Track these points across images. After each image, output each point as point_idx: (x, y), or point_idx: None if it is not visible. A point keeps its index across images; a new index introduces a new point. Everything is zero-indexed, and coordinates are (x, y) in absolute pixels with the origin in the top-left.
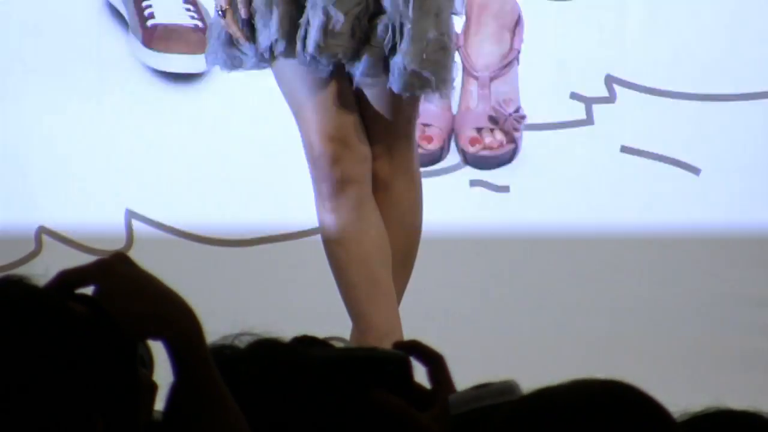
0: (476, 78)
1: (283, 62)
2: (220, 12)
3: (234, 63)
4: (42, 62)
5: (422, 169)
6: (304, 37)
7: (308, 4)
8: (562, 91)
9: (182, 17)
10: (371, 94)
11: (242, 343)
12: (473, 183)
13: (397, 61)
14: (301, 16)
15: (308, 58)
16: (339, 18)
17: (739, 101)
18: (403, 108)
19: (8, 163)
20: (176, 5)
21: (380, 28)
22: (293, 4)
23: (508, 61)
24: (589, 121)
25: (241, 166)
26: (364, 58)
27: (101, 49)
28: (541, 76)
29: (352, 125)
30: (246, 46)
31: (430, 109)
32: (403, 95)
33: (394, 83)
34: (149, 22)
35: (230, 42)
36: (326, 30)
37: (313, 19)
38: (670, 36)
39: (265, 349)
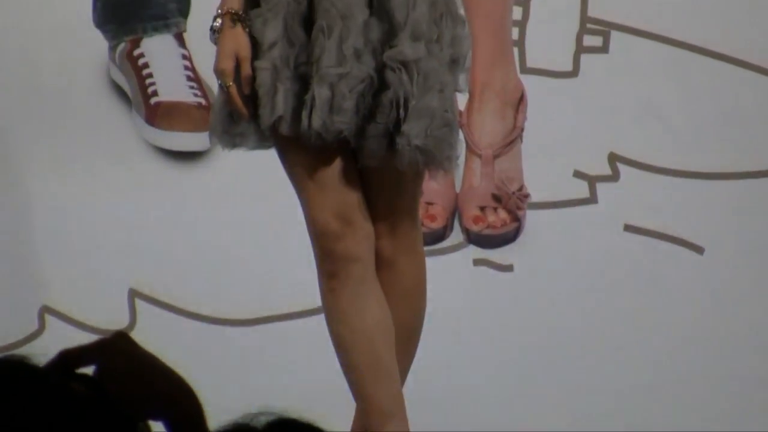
0: (479, 156)
1: (285, 139)
2: (223, 87)
3: (235, 142)
4: (43, 138)
5: (426, 248)
6: (310, 114)
7: (314, 81)
8: (565, 169)
9: (186, 95)
10: (375, 170)
11: (260, 423)
12: (477, 262)
13: (402, 138)
14: (305, 93)
15: (313, 135)
16: (345, 94)
17: (743, 179)
18: (407, 185)
19: (10, 240)
20: (180, 82)
21: (385, 104)
22: (298, 81)
23: (512, 139)
24: (592, 199)
25: (246, 245)
26: (369, 135)
27: (103, 126)
28: (545, 154)
29: (355, 202)
30: (247, 123)
31: (433, 188)
32: (408, 172)
33: (399, 160)
34: (152, 100)
35: (231, 119)
36: (332, 106)
37: (319, 95)
38: (671, 115)
39: (285, 429)
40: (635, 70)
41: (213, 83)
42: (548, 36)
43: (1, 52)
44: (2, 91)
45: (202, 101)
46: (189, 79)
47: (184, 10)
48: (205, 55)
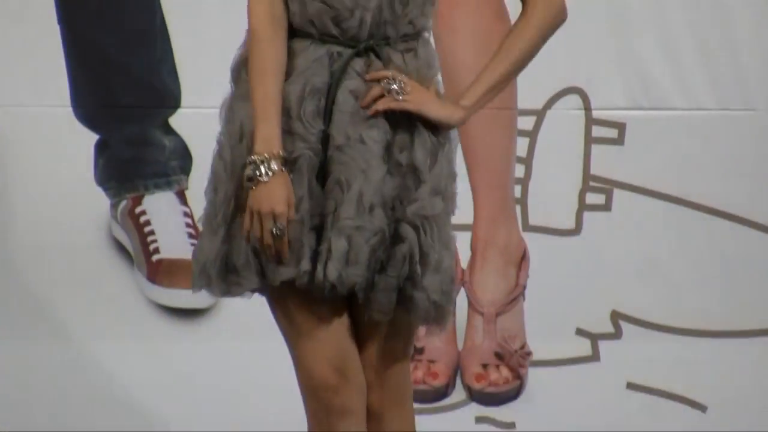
0: (481, 314)
1: (281, 290)
2: (276, 232)
3: (230, 290)
4: (45, 297)
5: (428, 406)
6: (325, 265)
7: (330, 232)
8: (567, 326)
9: (187, 252)
10: (371, 320)
11: None
12: (479, 420)
13: (421, 292)
14: (318, 244)
15: (327, 287)
16: (361, 247)
17: (746, 337)
18: (402, 335)
19: (10, 401)
20: (181, 240)
21: (398, 258)
22: (313, 233)
23: (514, 297)
24: (595, 357)
25: (248, 401)
26: (379, 288)
27: (105, 284)
28: (547, 312)
29: (351, 354)
30: (249, 272)
31: (435, 345)
32: (422, 325)
33: (415, 313)
34: (154, 257)
35: (227, 267)
36: (348, 259)
37: (336, 247)
38: (674, 272)
39: None
40: (638, 228)
41: None
42: (551, 194)
43: (4, 211)
44: (5, 251)
45: None
46: (191, 236)
47: (185, 167)
48: None
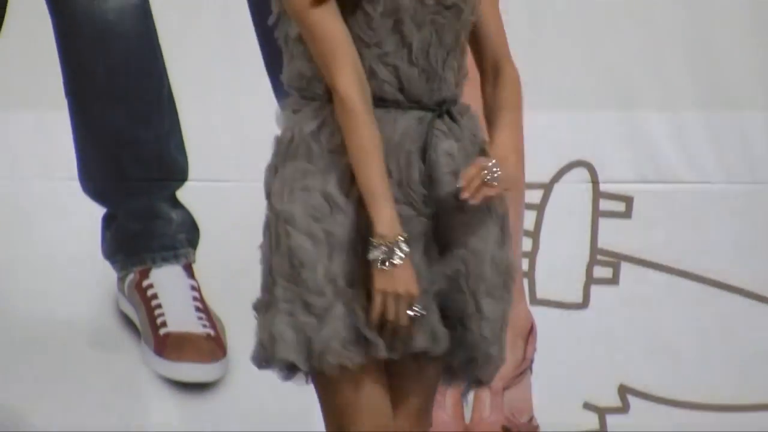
0: (489, 387)
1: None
2: (415, 314)
3: (326, 367)
4: (51, 369)
5: None
6: (480, 326)
7: (480, 297)
8: (575, 400)
9: (194, 325)
10: (408, 387)
11: None
12: None
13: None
14: (444, 308)
15: (410, 355)
16: (500, 305)
17: (754, 411)
18: (429, 400)
19: None
20: (188, 313)
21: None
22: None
23: (521, 371)
24: (602, 431)
25: None
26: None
27: (112, 357)
28: (554, 385)
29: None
30: (359, 349)
31: (443, 419)
32: (433, 387)
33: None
34: (161, 330)
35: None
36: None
37: (487, 308)
38: (681, 346)
39: None
40: (645, 302)
41: (221, 313)
42: (558, 267)
43: (10, 283)
44: (11, 323)
45: (211, 332)
46: (198, 309)
47: (193, 240)
48: (213, 285)
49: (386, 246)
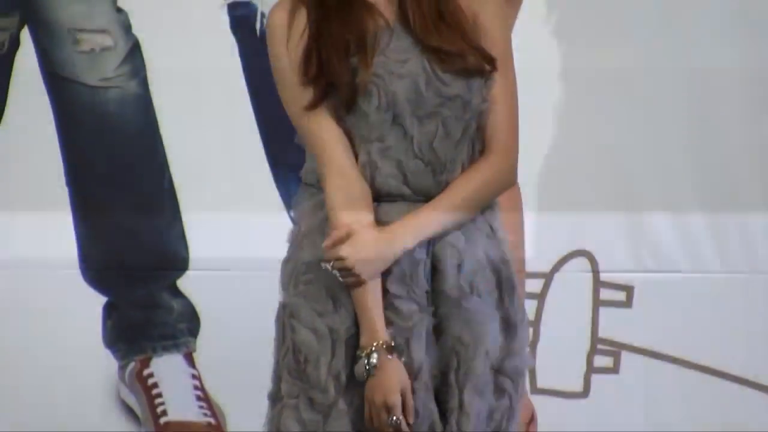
0: None
1: None
2: (393, 422)
3: None
4: None
5: None
6: (458, 422)
7: (465, 392)
8: None
9: (195, 414)
10: None
11: None
12: None
13: None
14: (440, 400)
15: None
16: (489, 402)
17: None
18: None
19: None
20: (189, 401)
21: (501, 410)
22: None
23: None
24: None
25: None
26: None
27: None
28: None
29: None
30: None
31: None
32: None
33: None
34: (162, 419)
35: None
36: (479, 414)
37: (471, 404)
38: (679, 429)
39: None
40: (645, 391)
41: (222, 402)
42: (559, 356)
43: (11, 372)
44: (12, 411)
45: (212, 421)
46: (198, 398)
47: (193, 329)
48: (214, 374)
49: (365, 357)
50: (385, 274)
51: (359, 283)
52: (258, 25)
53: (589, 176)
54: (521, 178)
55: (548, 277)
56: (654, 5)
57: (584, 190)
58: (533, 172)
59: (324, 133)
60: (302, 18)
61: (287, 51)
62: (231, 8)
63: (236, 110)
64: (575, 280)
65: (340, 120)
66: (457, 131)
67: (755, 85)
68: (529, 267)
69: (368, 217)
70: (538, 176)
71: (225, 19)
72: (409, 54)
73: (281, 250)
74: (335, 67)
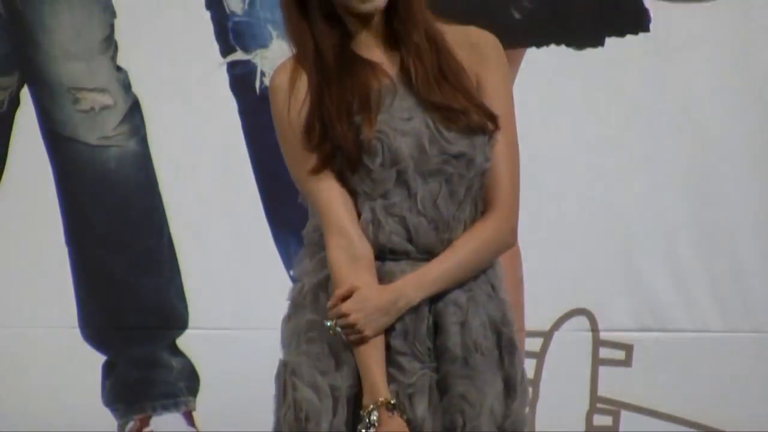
0: None
1: None
2: None
3: None
4: None
5: None
6: None
7: None
8: None
9: None
10: None
11: None
12: None
13: None
14: None
15: None
16: None
17: None
18: None
19: None
20: None
21: None
22: None
23: None
24: None
25: None
26: None
27: None
28: None
29: None
30: None
31: None
32: None
33: None
34: None
35: None
36: None
37: None
38: None
39: None
40: None
41: None
42: (558, 415)
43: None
44: None
45: None
46: None
47: (193, 388)
48: None
49: (366, 415)
50: (388, 331)
51: (363, 340)
52: (258, 84)
53: (588, 234)
54: (521, 237)
55: (547, 336)
56: (650, 65)
57: (584, 248)
58: (534, 229)
59: (327, 193)
60: (303, 81)
61: (288, 115)
62: (230, 67)
63: (236, 169)
64: (575, 338)
65: (343, 179)
66: (461, 189)
67: (755, 143)
68: (529, 325)
69: (370, 275)
70: (538, 234)
71: (225, 78)
72: (413, 112)
73: (281, 308)
74: (339, 131)
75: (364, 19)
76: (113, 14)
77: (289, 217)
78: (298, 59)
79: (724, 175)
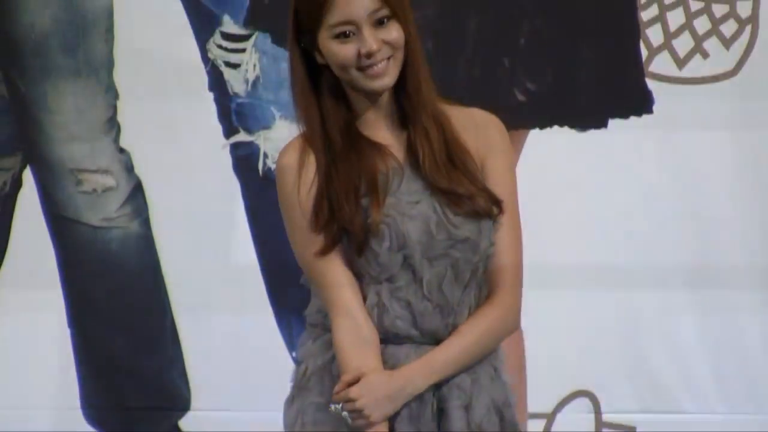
0: None
1: None
2: None
3: None
4: None
5: None
6: None
7: None
8: None
9: None
10: None
11: None
12: None
13: None
14: None
15: None
16: None
17: None
18: None
19: None
20: None
21: None
22: None
23: None
24: None
25: None
26: None
27: None
28: None
29: None
30: None
31: None
32: None
33: None
34: None
35: None
36: None
37: None
38: None
39: None
40: None
41: None
42: None
43: None
44: None
45: None
46: None
47: None
48: None
49: None
50: (393, 415)
51: (369, 425)
52: (261, 165)
53: (590, 316)
54: (524, 318)
55: (550, 418)
56: (653, 146)
57: (586, 330)
58: (536, 310)
59: (333, 275)
60: (312, 162)
61: (297, 196)
62: (234, 148)
63: (239, 250)
64: (577, 420)
65: (350, 261)
66: (466, 273)
67: (759, 225)
68: (531, 407)
69: (376, 359)
70: (541, 315)
71: (228, 159)
72: (420, 195)
73: (284, 390)
74: (347, 214)
75: (372, 98)
76: (116, 95)
77: (291, 298)
78: (307, 138)
79: (727, 257)
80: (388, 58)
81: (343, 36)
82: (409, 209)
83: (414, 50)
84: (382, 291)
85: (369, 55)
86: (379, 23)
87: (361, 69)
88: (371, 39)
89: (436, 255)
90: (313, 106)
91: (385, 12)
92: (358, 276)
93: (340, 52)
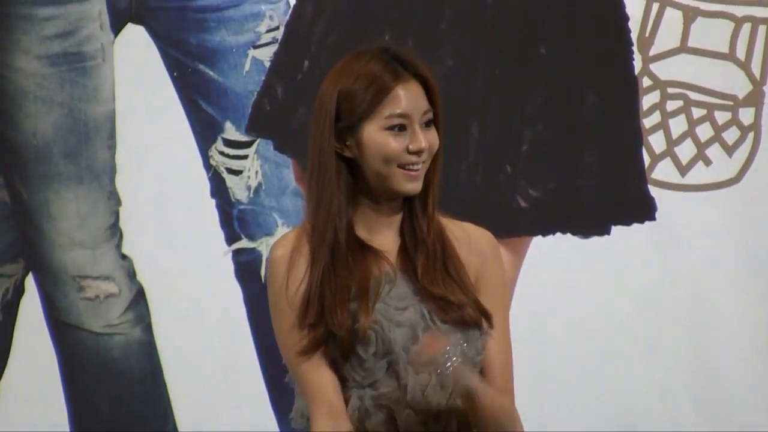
0: None
1: None
2: None
3: None
4: None
5: None
6: None
7: None
8: None
9: None
10: None
11: None
12: None
13: None
14: None
15: None
16: None
17: None
18: None
19: None
20: None
21: None
22: None
23: None
24: None
25: None
26: None
27: None
28: None
29: None
30: None
31: None
32: None
33: None
34: None
35: None
36: None
37: None
38: None
39: None
40: None
41: None
42: None
43: None
44: None
45: None
46: None
47: None
48: None
49: None
50: None
51: None
52: (263, 272)
53: (593, 422)
54: (525, 422)
55: None
56: (656, 253)
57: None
58: (537, 417)
59: (316, 375)
60: (304, 258)
61: (286, 292)
62: (236, 255)
63: (241, 357)
64: None
65: (333, 361)
66: (449, 382)
67: (760, 334)
68: None
69: None
70: (542, 422)
71: (230, 266)
72: (409, 301)
73: None
74: (337, 318)
75: (381, 201)
76: (118, 202)
77: (291, 402)
78: (309, 232)
79: (729, 365)
80: (424, 162)
81: (396, 128)
82: (396, 316)
83: (438, 161)
84: (365, 396)
85: (418, 153)
86: (426, 125)
87: (402, 166)
88: (422, 137)
89: (421, 362)
90: (337, 199)
91: (431, 116)
92: (341, 379)
93: (390, 143)
